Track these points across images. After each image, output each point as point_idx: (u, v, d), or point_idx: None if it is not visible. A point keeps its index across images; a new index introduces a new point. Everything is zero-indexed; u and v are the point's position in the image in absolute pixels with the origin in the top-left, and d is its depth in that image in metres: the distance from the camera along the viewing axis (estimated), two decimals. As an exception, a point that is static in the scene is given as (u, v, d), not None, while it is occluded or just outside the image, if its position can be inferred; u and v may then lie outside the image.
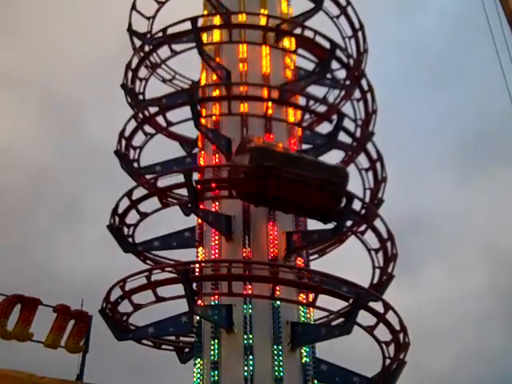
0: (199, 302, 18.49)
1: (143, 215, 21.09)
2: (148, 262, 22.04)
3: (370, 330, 18.98)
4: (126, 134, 22.65)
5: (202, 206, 20.02)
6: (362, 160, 22.84)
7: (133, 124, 22.81)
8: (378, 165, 22.39)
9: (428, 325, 43.29)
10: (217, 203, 20.27)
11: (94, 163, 45.26)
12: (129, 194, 20.55)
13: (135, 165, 23.06)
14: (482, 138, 55.97)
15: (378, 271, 21.89)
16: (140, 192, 20.89)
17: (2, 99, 50.73)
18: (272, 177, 17.99)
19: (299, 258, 20.11)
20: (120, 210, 20.68)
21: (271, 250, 19.29)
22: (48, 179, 48.76)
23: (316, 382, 18.49)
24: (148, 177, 22.16)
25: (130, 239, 21.14)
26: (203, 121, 21.36)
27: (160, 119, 22.91)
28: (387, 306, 18.75)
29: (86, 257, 46.64)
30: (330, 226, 19.93)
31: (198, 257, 20.01)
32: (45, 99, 52.45)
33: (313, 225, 21.04)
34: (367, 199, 21.96)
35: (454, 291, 53.75)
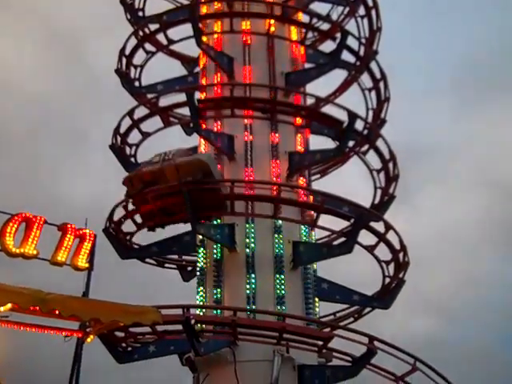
0: (202, 220, 18.62)
1: (145, 135, 21.04)
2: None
3: (370, 249, 19.24)
4: (127, 52, 22.31)
5: (204, 126, 19.92)
6: (366, 80, 22.60)
7: (133, 42, 22.47)
8: (382, 84, 22.14)
9: (425, 250, 43.84)
10: (219, 123, 20.14)
11: (98, 88, 44.75)
12: (130, 113, 20.42)
13: (136, 84, 22.80)
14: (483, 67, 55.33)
15: (379, 192, 22.01)
16: (142, 111, 20.77)
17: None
18: (145, 200, 17.85)
19: (301, 178, 20.15)
20: (122, 130, 20.61)
21: (274, 169, 19.32)
22: (51, 105, 48.33)
23: (317, 299, 18.86)
24: (149, 96, 21.96)
25: (133, 159, 21.13)
26: (205, 39, 20.99)
27: (161, 37, 22.54)
28: (388, 226, 18.93)
29: (90, 182, 46.87)
30: (333, 145, 19.96)
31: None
32: (45, 25, 51.36)
33: (315, 145, 21.09)
34: (370, 119, 21.84)
35: (452, 217, 54.35)
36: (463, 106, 57.87)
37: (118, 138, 20.71)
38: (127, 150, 21.09)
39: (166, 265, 21.90)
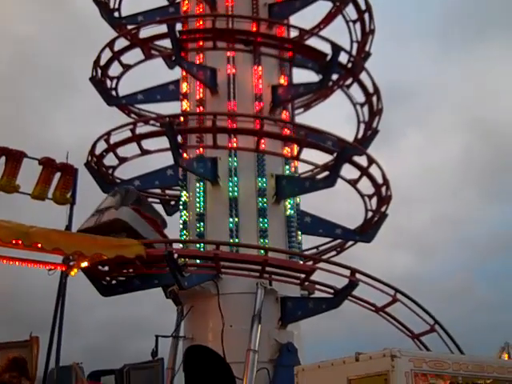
0: (184, 154, 18.53)
1: (126, 67, 20.67)
2: (132, 115, 21.84)
3: (353, 183, 19.27)
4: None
5: (186, 58, 19.55)
6: (351, 12, 22.18)
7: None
8: (366, 16, 21.75)
9: (406, 189, 44.20)
10: (201, 55, 19.76)
11: (83, 32, 43.66)
12: (110, 44, 19.97)
13: (116, 14, 22.25)
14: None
15: (362, 126, 21.93)
16: (123, 43, 20.33)
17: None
18: None
19: (284, 112, 19.96)
20: (102, 62, 20.20)
21: (257, 102, 19.10)
22: (35, 49, 47.24)
23: (300, 233, 18.98)
24: (130, 27, 21.46)
25: (114, 92, 20.81)
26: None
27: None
28: (371, 160, 18.91)
29: (76, 125, 46.36)
30: (316, 78, 19.74)
31: (182, 110, 19.79)
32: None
33: (298, 79, 20.85)
34: (354, 52, 21.55)
35: (433, 158, 54.72)
36: (448, 48, 57.57)
37: (99, 71, 20.32)
38: (108, 83, 20.73)
39: (149, 199, 21.82)
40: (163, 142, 17.76)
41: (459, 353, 16.14)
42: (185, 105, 19.68)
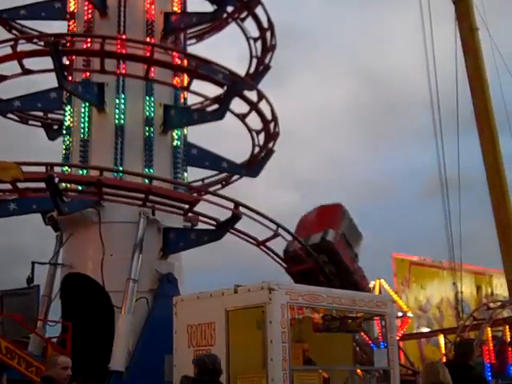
0: (70, 77, 17.78)
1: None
2: (14, 32, 20.61)
3: (242, 117, 19.28)
4: None
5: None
6: None
7: None
8: None
9: (293, 130, 44.90)
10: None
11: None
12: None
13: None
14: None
15: (255, 62, 21.84)
16: None
17: None
18: None
19: (176, 41, 19.47)
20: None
21: (148, 29, 18.51)
22: None
23: (186, 164, 18.84)
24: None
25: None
26: None
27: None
28: (261, 95, 18.92)
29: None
30: (211, 9, 19.36)
31: (69, 30, 18.87)
32: None
33: (192, 8, 20.33)
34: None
35: (321, 101, 55.70)
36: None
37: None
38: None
39: (30, 122, 20.98)
40: (48, 62, 16.94)
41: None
42: (72, 25, 18.77)
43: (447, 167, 24.60)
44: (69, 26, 18.90)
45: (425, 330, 30.76)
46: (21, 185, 15.16)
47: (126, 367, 14.75)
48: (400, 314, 26.75)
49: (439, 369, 6.76)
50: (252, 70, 21.77)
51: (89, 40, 18.14)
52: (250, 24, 21.06)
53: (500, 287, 35.06)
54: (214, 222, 16.76)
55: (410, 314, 28.57)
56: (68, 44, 18.10)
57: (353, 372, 12.01)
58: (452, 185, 24.70)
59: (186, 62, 18.67)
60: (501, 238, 23.83)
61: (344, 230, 18.99)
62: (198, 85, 18.58)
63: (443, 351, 20.77)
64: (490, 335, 19.31)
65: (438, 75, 24.74)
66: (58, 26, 19.87)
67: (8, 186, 15.23)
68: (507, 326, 20.25)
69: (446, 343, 20.83)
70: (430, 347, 29.50)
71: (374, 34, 56.44)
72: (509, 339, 19.92)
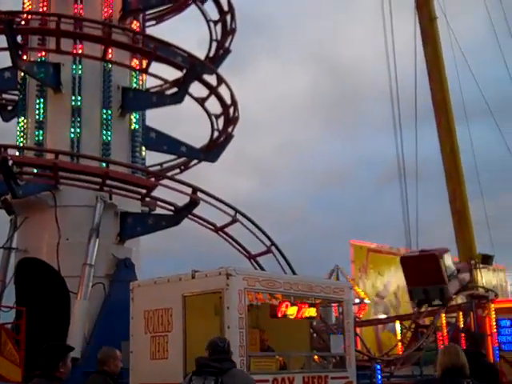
0: (24, 57, 17.33)
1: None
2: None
3: (201, 101, 19.07)
4: None
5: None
6: None
7: None
8: None
9: (253, 117, 44.82)
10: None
11: None
12: None
13: None
14: None
15: (214, 45, 21.60)
16: None
17: None
18: None
19: (135, 22, 19.14)
20: None
21: (106, 9, 18.10)
22: None
23: (144, 148, 18.57)
24: None
25: None
26: None
27: None
28: (220, 79, 18.74)
29: None
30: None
31: (24, 8, 18.36)
32: None
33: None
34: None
35: (281, 88, 55.76)
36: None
37: None
38: None
39: (-17, 103, 20.43)
40: (2, 41, 16.49)
41: (292, 274, 16.73)
42: (26, 2, 18.26)
43: (406, 156, 24.76)
44: (24, 3, 18.38)
45: (382, 316, 31.04)
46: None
47: (82, 353, 14.50)
48: (357, 300, 26.96)
49: (459, 351, 6.82)
50: (212, 53, 21.53)
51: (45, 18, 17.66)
52: (210, 7, 20.86)
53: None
54: (171, 207, 16.56)
55: (367, 301, 28.82)
56: (23, 22, 17.61)
57: (309, 358, 12.06)
58: (409, 173, 24.90)
59: (144, 43, 18.34)
60: (456, 225, 24.26)
61: None
62: (157, 67, 18.31)
63: (399, 337, 20.94)
64: (444, 321, 19.51)
65: (397, 65, 24.88)
66: (12, 3, 19.32)
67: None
68: (461, 313, 20.53)
69: (401, 329, 20.98)
70: (387, 333, 29.80)
71: (336, 22, 56.60)
72: (462, 325, 20.20)
